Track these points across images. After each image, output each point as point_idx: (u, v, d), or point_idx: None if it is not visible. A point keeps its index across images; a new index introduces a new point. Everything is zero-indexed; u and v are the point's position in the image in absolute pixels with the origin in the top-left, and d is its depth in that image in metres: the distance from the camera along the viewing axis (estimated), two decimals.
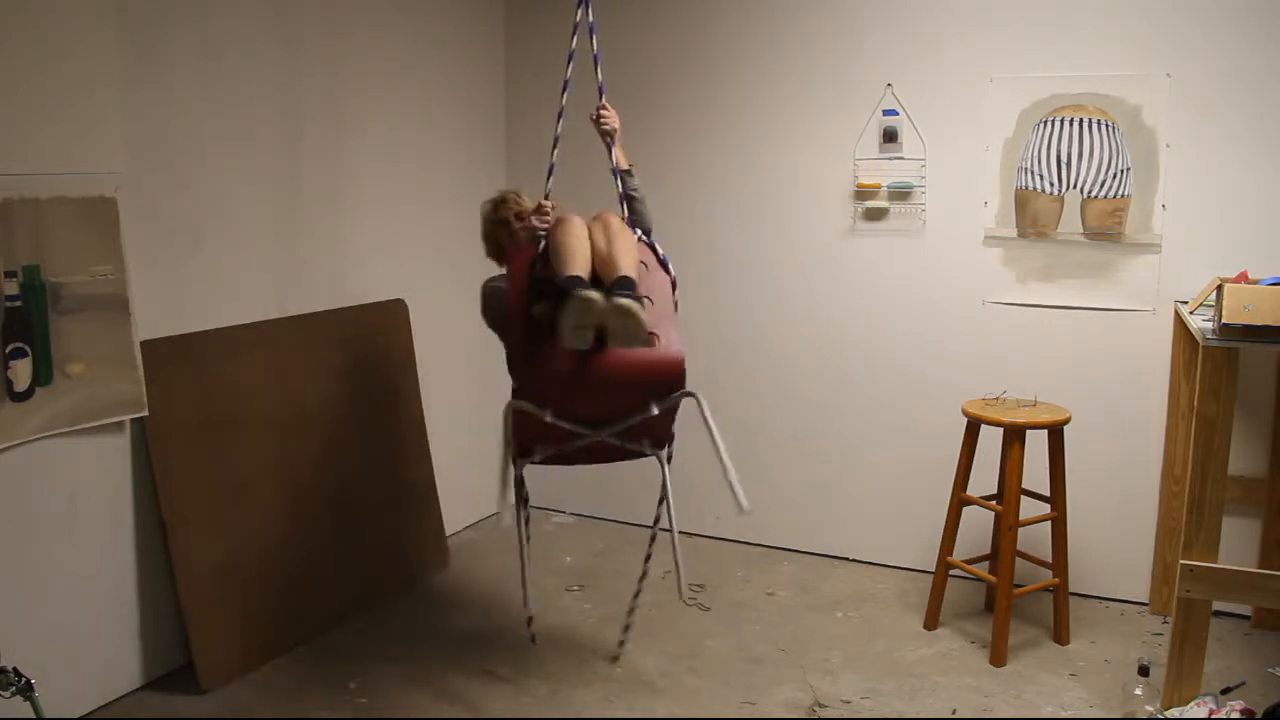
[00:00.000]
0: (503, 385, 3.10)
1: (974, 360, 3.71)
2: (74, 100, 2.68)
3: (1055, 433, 3.24)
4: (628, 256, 2.70)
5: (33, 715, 2.15)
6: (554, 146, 2.99)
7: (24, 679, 2.12)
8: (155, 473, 2.96)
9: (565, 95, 2.99)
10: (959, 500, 3.35)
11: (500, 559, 4.06)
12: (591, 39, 3.01)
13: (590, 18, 3.00)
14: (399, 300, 3.88)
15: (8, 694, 2.12)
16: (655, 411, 2.76)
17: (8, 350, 2.57)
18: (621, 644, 3.22)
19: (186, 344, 3.06)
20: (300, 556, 3.36)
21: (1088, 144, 3.49)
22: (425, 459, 3.96)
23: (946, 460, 3.44)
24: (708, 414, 2.74)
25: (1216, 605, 2.76)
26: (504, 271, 3.06)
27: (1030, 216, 3.61)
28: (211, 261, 3.16)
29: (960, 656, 3.24)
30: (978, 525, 3.51)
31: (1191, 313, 3.02)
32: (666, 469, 2.99)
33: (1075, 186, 3.53)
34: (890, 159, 3.79)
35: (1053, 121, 3.53)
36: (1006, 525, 3.16)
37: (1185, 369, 3.34)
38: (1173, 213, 3.43)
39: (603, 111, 3.05)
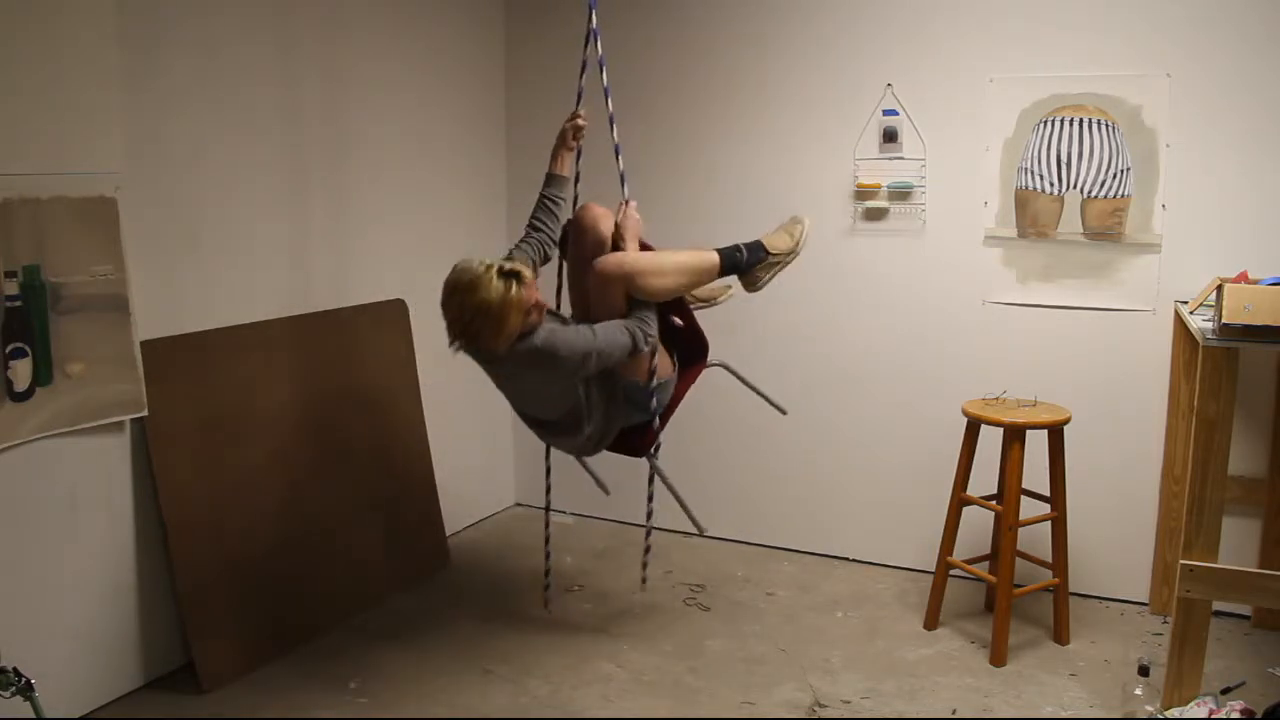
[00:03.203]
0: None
1: (974, 360, 3.71)
2: (74, 100, 2.68)
3: (1055, 433, 3.24)
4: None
5: (33, 715, 2.15)
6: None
7: (24, 679, 2.12)
8: (155, 473, 2.96)
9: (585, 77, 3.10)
10: (959, 500, 3.35)
11: (500, 559, 4.06)
12: (596, 45, 3.05)
13: (594, 23, 3.03)
14: (399, 300, 3.88)
15: (8, 694, 2.12)
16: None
17: (8, 350, 2.57)
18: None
19: (186, 344, 3.07)
20: (300, 556, 3.36)
21: (1088, 144, 3.49)
22: (425, 459, 3.96)
23: (946, 460, 3.44)
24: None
25: (1216, 605, 2.75)
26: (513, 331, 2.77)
27: (1030, 216, 3.61)
28: (211, 261, 3.16)
29: (960, 656, 3.24)
30: (978, 525, 3.51)
31: (1191, 313, 3.02)
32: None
33: (1075, 186, 3.53)
34: (890, 159, 3.79)
35: (1053, 121, 3.53)
36: (1006, 525, 3.16)
37: (1185, 369, 3.34)
38: (1173, 213, 3.43)
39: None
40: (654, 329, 2.86)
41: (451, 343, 2.78)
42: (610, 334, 2.78)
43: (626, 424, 3.06)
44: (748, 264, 3.01)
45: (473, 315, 2.66)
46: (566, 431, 3.01)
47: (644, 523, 3.28)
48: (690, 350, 3.16)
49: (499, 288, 2.64)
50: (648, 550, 3.36)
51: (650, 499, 3.27)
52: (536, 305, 2.73)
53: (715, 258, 2.98)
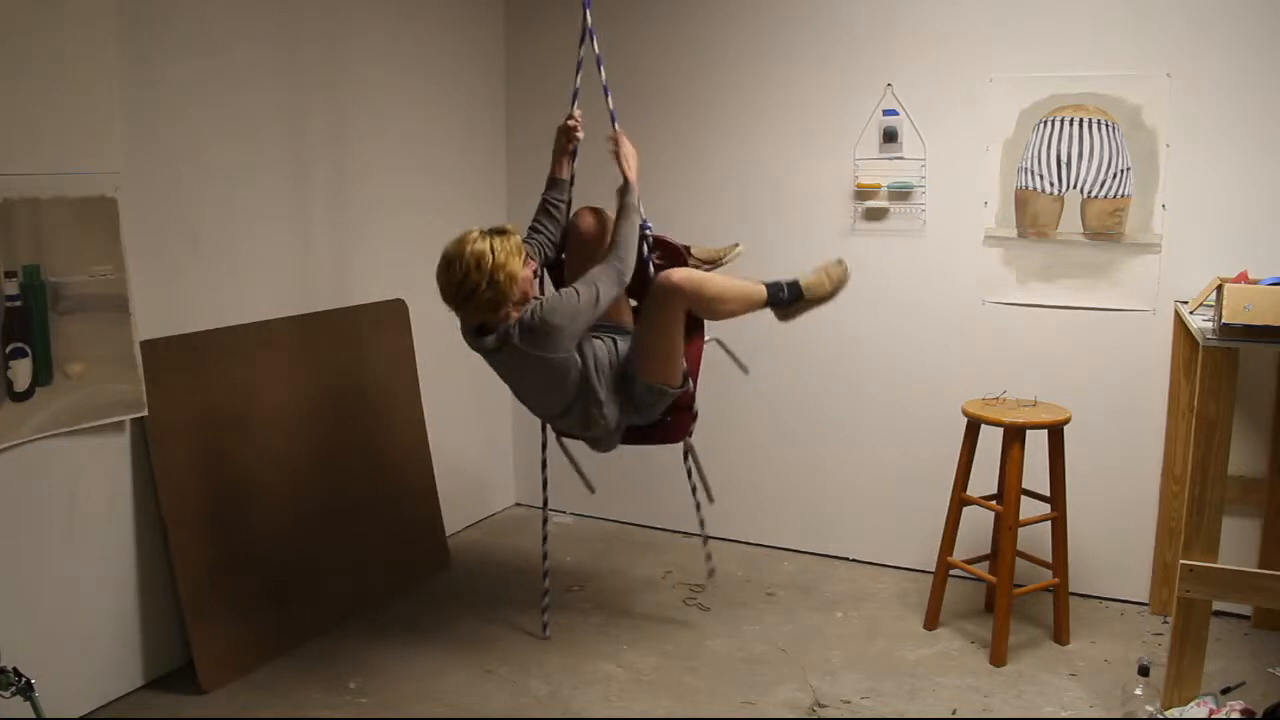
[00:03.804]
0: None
1: (974, 360, 3.71)
2: (74, 100, 2.68)
3: (1055, 433, 3.24)
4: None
5: (33, 715, 2.15)
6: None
7: (24, 679, 2.12)
8: (155, 473, 2.96)
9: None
10: (959, 500, 3.35)
11: (500, 559, 4.06)
12: (593, 43, 3.08)
13: (589, 22, 3.05)
14: (399, 300, 3.88)
15: (8, 694, 2.12)
16: None
17: (8, 350, 2.57)
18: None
19: (186, 344, 3.07)
20: (300, 556, 3.36)
21: (1088, 144, 3.49)
22: (425, 459, 3.96)
23: (946, 460, 3.44)
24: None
25: (1216, 605, 2.76)
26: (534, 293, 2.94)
27: (1030, 216, 3.61)
28: (211, 261, 3.16)
29: (960, 656, 3.24)
30: (978, 525, 3.51)
31: (1191, 313, 3.02)
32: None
33: (1075, 186, 3.53)
34: (890, 159, 3.79)
35: (1053, 121, 3.53)
36: (1006, 525, 3.16)
37: (1185, 369, 3.34)
38: (1173, 213, 3.43)
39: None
40: (632, 260, 2.91)
41: (464, 328, 2.86)
42: (589, 290, 2.82)
43: (628, 422, 3.07)
44: (786, 301, 3.09)
45: (474, 270, 2.68)
46: (580, 423, 3.02)
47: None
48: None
49: (493, 239, 2.72)
50: (706, 541, 3.51)
51: (694, 491, 3.35)
52: (533, 271, 2.85)
53: (763, 292, 3.06)
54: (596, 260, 2.98)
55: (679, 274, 2.91)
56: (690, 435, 3.19)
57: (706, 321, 3.16)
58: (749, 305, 3.05)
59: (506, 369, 2.94)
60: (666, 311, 2.91)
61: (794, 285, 3.08)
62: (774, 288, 3.07)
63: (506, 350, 2.81)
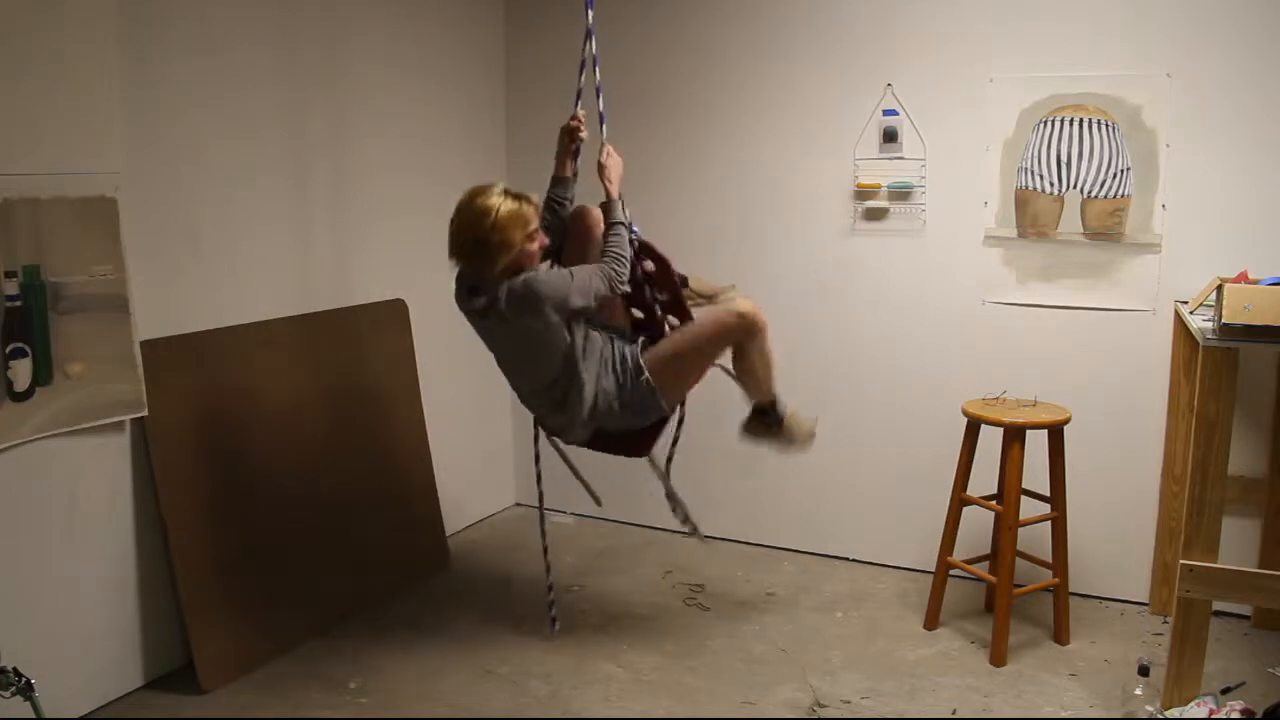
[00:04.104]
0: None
1: (974, 360, 3.71)
2: (74, 100, 2.68)
3: (1055, 433, 3.24)
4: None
5: (33, 715, 2.15)
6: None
7: (24, 679, 2.12)
8: (155, 473, 2.96)
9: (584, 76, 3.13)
10: (959, 500, 3.35)
11: (500, 559, 4.06)
12: (591, 43, 3.07)
13: (590, 21, 3.05)
14: (399, 300, 3.88)
15: (8, 694, 2.12)
16: None
17: (8, 350, 2.57)
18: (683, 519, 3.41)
19: (186, 344, 3.07)
20: (300, 556, 3.36)
21: (1088, 144, 3.49)
22: (425, 459, 3.96)
23: (946, 460, 3.44)
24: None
25: (1216, 605, 2.76)
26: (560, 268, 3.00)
27: (1030, 216, 3.61)
28: (211, 261, 3.16)
29: (960, 656, 3.24)
30: (978, 525, 3.51)
31: (1191, 313, 3.02)
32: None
33: (1075, 186, 3.53)
34: (890, 159, 3.79)
35: (1053, 121, 3.53)
36: (1006, 525, 3.16)
37: (1185, 369, 3.34)
38: (1173, 213, 3.43)
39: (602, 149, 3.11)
40: (625, 271, 2.94)
41: (457, 290, 2.90)
42: (585, 277, 2.85)
43: (616, 424, 3.06)
44: (770, 418, 3.18)
45: (476, 222, 2.75)
46: (560, 405, 3.00)
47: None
48: None
49: (506, 200, 2.78)
50: (686, 520, 3.40)
51: (669, 496, 3.34)
52: (540, 246, 2.87)
53: (773, 390, 3.13)
54: (591, 256, 3.00)
55: (758, 310, 2.99)
56: (674, 446, 3.17)
57: None
58: (761, 384, 3.11)
59: (491, 336, 2.96)
60: (721, 332, 2.98)
61: (781, 414, 3.16)
62: (776, 396, 3.14)
63: (493, 315, 2.84)
